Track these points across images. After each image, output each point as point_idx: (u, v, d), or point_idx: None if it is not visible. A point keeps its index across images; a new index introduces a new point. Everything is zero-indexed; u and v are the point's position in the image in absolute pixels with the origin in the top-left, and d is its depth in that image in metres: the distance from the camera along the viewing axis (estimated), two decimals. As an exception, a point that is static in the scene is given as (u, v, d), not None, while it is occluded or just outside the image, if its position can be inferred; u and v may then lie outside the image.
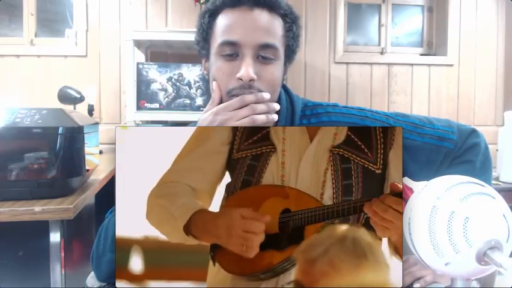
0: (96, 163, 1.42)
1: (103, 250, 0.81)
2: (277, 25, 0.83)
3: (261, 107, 0.77)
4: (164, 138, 0.83)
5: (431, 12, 2.90)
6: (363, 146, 0.76)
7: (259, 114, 0.76)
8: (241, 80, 0.79)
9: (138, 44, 2.24)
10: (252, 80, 0.79)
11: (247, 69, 0.79)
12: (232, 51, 0.81)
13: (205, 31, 0.86)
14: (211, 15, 0.84)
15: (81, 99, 2.12)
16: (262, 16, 0.81)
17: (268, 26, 0.82)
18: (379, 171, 0.76)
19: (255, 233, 0.68)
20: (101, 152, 2.02)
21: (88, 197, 1.18)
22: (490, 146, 0.93)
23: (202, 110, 0.85)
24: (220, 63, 0.82)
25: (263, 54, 0.81)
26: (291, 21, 0.85)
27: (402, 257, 0.67)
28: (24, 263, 1.25)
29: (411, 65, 2.76)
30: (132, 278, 0.76)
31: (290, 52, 0.88)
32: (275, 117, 0.79)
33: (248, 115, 0.76)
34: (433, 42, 2.89)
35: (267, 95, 0.79)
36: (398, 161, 0.76)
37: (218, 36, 0.83)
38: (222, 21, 0.83)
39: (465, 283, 0.54)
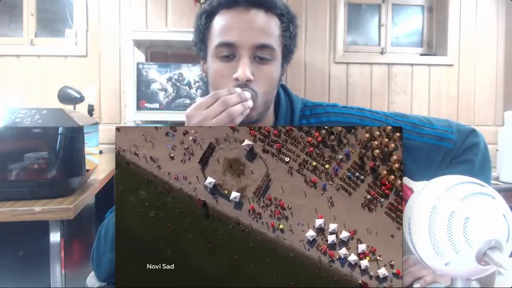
0: (96, 163, 1.42)
1: (103, 250, 0.81)
2: (273, 25, 0.83)
3: (233, 98, 0.74)
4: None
5: (431, 12, 2.90)
6: None
7: (233, 106, 0.74)
8: (238, 80, 0.79)
9: (138, 44, 2.24)
10: (248, 80, 0.79)
11: (243, 69, 0.79)
12: (229, 53, 0.81)
13: (202, 32, 0.85)
14: (207, 16, 0.84)
15: (81, 99, 2.13)
16: (258, 16, 0.81)
17: (264, 26, 0.81)
18: None
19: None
20: (101, 152, 2.02)
21: (88, 197, 1.18)
22: (490, 146, 0.93)
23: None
24: (217, 65, 0.82)
25: (260, 54, 0.81)
26: (287, 21, 0.85)
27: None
28: (24, 263, 1.25)
29: (411, 65, 2.77)
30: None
31: (287, 52, 0.87)
32: (250, 103, 0.77)
33: (222, 110, 0.73)
34: (433, 42, 2.89)
35: (238, 89, 0.77)
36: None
37: (215, 37, 0.82)
38: (219, 22, 0.83)
39: (465, 283, 0.54)
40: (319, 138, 0.68)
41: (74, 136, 1.11)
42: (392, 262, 0.65)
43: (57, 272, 1.08)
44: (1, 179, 1.05)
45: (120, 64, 2.46)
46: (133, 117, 2.05)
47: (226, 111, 0.73)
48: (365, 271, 0.66)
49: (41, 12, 2.56)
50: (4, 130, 1.04)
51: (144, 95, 2.09)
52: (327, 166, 0.68)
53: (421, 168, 0.89)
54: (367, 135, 0.68)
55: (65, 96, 2.10)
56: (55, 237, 1.08)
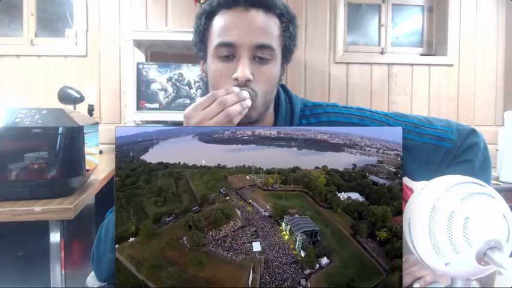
0: (96, 163, 1.42)
1: (103, 250, 0.81)
2: (273, 25, 0.83)
3: (231, 98, 0.74)
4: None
5: (431, 12, 2.90)
6: None
7: (231, 106, 0.73)
8: (238, 80, 0.79)
9: (138, 44, 2.24)
10: (248, 80, 0.79)
11: (243, 69, 0.79)
12: (229, 53, 0.81)
13: (202, 32, 0.85)
14: (207, 16, 0.84)
15: (81, 99, 2.12)
16: (258, 17, 0.81)
17: (264, 26, 0.81)
18: None
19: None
20: (101, 152, 2.02)
21: (88, 197, 1.18)
22: (489, 146, 0.93)
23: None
24: (217, 65, 0.82)
25: (259, 54, 0.81)
26: (287, 21, 0.85)
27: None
28: (24, 263, 1.25)
29: (411, 65, 2.77)
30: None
31: (287, 52, 0.87)
32: (248, 102, 0.76)
33: (220, 110, 0.73)
34: (433, 42, 2.89)
35: (236, 89, 0.76)
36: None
37: (214, 37, 0.82)
38: (218, 22, 0.83)
39: (465, 283, 0.54)
40: None
41: (74, 136, 1.10)
42: None
43: (57, 272, 1.08)
44: (1, 179, 1.05)
45: (120, 64, 2.46)
46: (133, 117, 2.05)
47: (224, 111, 0.73)
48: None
49: (41, 12, 2.55)
50: (4, 130, 1.04)
51: (144, 95, 2.09)
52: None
53: (421, 168, 0.89)
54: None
55: (65, 96, 2.10)
56: (55, 237, 1.08)
